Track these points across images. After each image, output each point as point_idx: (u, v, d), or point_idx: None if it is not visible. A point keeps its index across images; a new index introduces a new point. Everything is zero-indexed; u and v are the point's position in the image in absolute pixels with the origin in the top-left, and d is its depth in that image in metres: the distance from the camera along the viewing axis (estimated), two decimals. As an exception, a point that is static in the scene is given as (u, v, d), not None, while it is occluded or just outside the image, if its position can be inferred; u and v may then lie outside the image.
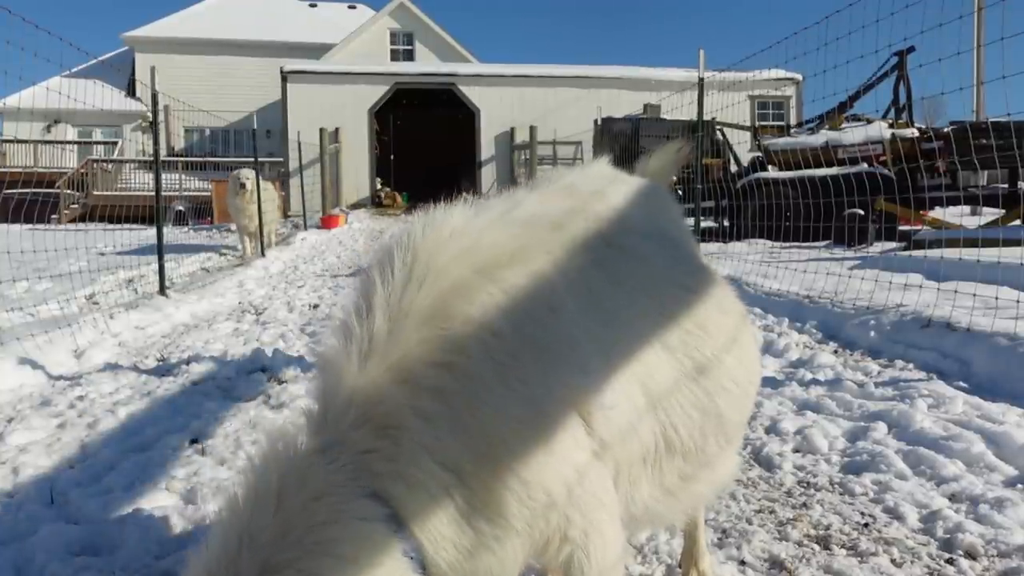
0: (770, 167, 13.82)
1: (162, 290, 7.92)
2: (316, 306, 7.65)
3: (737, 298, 1.97)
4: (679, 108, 11.38)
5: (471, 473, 1.19)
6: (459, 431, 1.19)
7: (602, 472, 1.37)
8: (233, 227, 14.49)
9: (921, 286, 6.22)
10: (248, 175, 12.78)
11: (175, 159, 27.13)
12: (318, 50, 29.61)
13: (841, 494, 2.91)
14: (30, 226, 13.54)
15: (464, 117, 25.64)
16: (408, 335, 1.22)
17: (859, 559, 2.40)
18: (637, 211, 1.85)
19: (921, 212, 11.68)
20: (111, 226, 18.31)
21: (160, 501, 2.91)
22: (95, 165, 25.25)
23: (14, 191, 20.46)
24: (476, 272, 1.31)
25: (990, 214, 12.06)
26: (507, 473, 1.20)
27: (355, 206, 23.43)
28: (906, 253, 8.22)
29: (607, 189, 1.85)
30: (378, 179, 25.43)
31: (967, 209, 13.52)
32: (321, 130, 22.93)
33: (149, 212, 11.71)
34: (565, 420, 1.30)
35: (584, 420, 1.34)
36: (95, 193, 23.96)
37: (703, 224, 10.61)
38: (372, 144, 24.76)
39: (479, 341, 1.24)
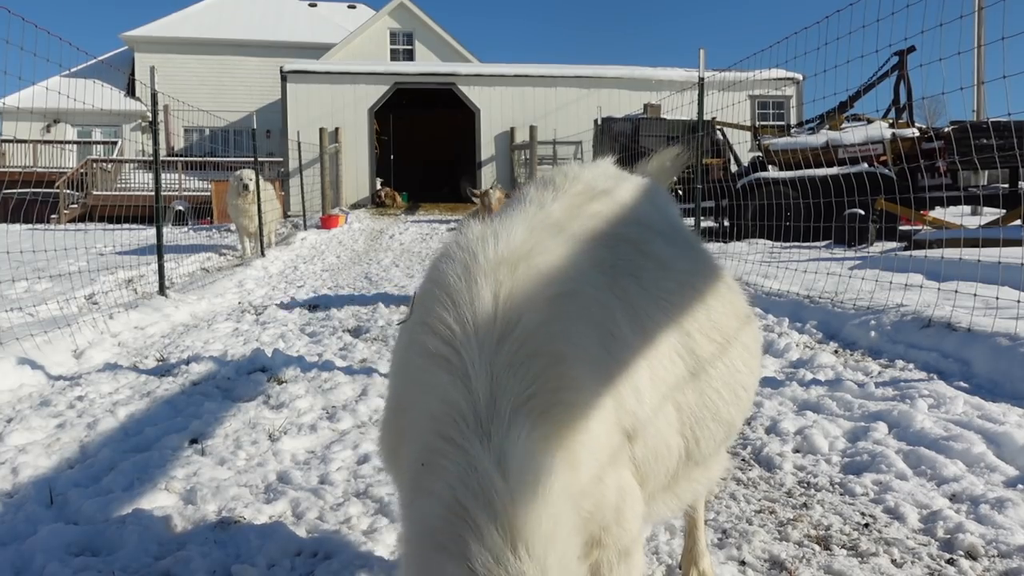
0: (770, 167, 13.81)
1: (162, 290, 7.91)
2: (316, 306, 7.65)
3: (743, 296, 1.99)
4: (679, 108, 11.39)
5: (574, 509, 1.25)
6: (567, 464, 1.23)
7: (635, 485, 1.43)
8: (233, 227, 14.48)
9: (921, 286, 6.22)
10: (250, 176, 12.76)
11: (175, 159, 27.12)
12: (318, 50, 29.59)
13: (841, 494, 2.90)
14: (29, 226, 13.53)
15: (464, 117, 25.61)
16: (519, 381, 1.24)
17: (859, 559, 2.39)
18: (653, 211, 1.90)
19: (921, 212, 11.67)
20: (111, 226, 18.32)
21: (160, 501, 2.91)
22: (94, 165, 25.23)
23: (14, 191, 20.48)
24: (550, 306, 1.33)
25: (991, 214, 12.06)
26: (579, 491, 1.26)
27: (355, 206, 23.40)
28: (906, 253, 8.22)
29: (619, 189, 1.88)
30: (378, 179, 25.40)
31: (967, 209, 13.52)
32: (321, 130, 22.91)
33: (149, 212, 11.72)
34: (620, 441, 1.37)
35: (629, 439, 1.40)
36: (94, 193, 23.95)
37: (703, 224, 10.62)
38: (372, 144, 24.72)
39: (571, 376, 1.28)
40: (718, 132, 14.98)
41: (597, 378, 1.34)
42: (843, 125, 13.20)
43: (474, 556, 1.08)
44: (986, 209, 12.22)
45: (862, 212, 10.91)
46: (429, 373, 1.27)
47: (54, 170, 24.45)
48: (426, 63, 27.98)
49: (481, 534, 1.09)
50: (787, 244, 10.98)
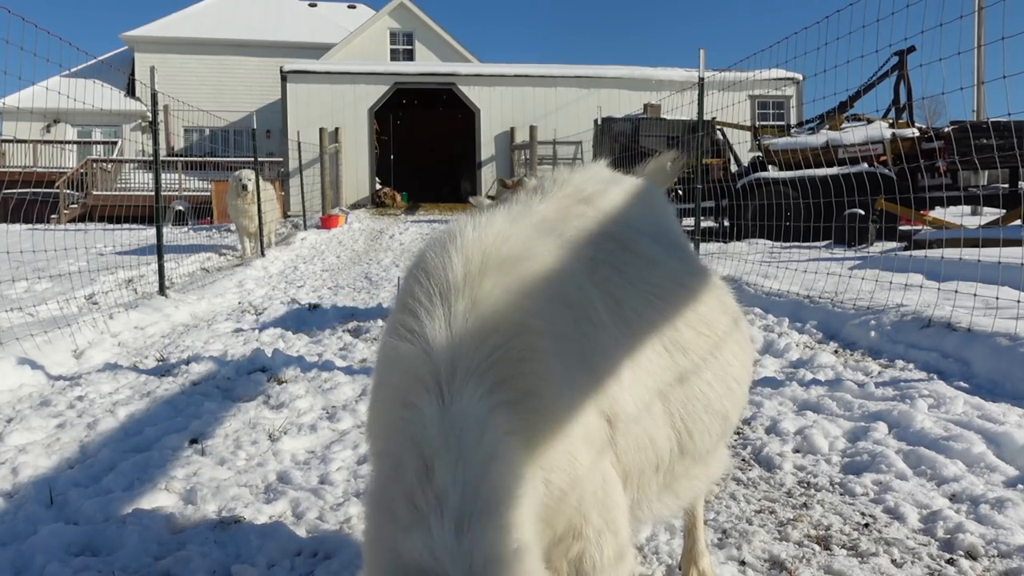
0: (770, 167, 13.81)
1: (162, 290, 7.91)
2: (316, 306, 7.64)
3: (732, 295, 2.01)
4: (679, 108, 11.38)
5: (530, 477, 1.23)
6: (530, 432, 1.22)
7: (616, 476, 1.41)
8: (233, 227, 14.48)
9: (921, 286, 6.22)
10: (249, 176, 12.77)
11: (175, 159, 27.12)
12: (318, 50, 29.59)
13: (841, 494, 2.90)
14: (29, 226, 13.53)
15: (464, 117, 25.61)
16: (480, 351, 1.23)
17: (859, 559, 2.39)
18: (642, 213, 1.92)
19: (921, 212, 11.67)
20: (111, 226, 18.32)
21: (160, 501, 2.91)
22: (94, 165, 25.23)
23: (14, 191, 20.48)
24: (523, 283, 1.34)
25: (990, 214, 12.06)
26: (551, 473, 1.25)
27: (355, 206, 23.41)
28: (906, 253, 8.21)
29: (610, 191, 1.89)
30: (378, 179, 25.41)
31: (967, 209, 13.52)
32: (321, 130, 22.91)
33: (149, 212, 11.72)
34: (599, 425, 1.36)
35: (610, 425, 1.39)
36: (94, 193, 23.95)
37: (703, 224, 10.62)
38: (372, 144, 24.73)
39: (539, 349, 1.27)
40: (718, 132, 14.98)
41: (570, 356, 1.33)
42: (843, 125, 13.20)
43: (408, 520, 1.07)
44: (986, 209, 12.22)
45: (862, 212, 10.91)
46: (398, 348, 1.27)
47: (54, 170, 24.43)
48: (426, 63, 27.97)
49: (414, 497, 1.07)
50: (787, 244, 10.98)
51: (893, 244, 10.72)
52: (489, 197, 7.77)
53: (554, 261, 1.44)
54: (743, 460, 3.30)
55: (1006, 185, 12.35)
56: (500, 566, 1.04)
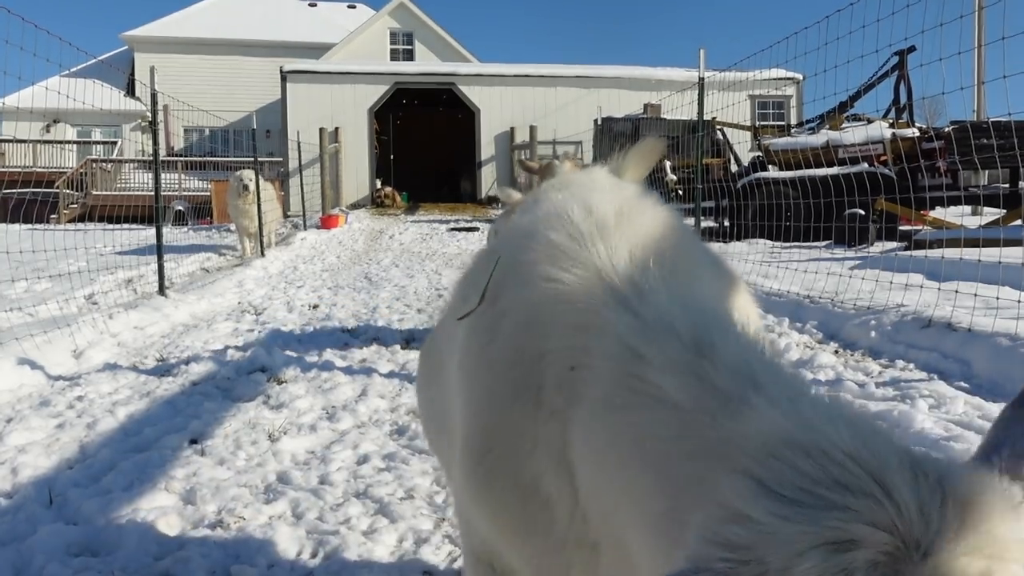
0: (770, 167, 13.81)
1: (161, 290, 7.91)
2: (316, 306, 7.64)
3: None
4: (679, 108, 11.36)
5: None
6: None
7: None
8: (232, 227, 14.47)
9: (922, 286, 6.21)
10: (250, 176, 12.76)
11: (174, 159, 27.11)
12: (318, 50, 29.59)
13: (842, 495, 2.90)
14: (29, 226, 13.51)
15: (464, 117, 25.61)
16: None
17: (860, 560, 2.38)
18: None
19: (922, 212, 11.67)
20: (110, 226, 18.29)
21: (159, 502, 2.90)
22: (94, 165, 25.22)
23: (13, 191, 20.47)
24: (654, 220, 1.29)
25: (991, 214, 12.05)
26: None
27: (355, 206, 23.39)
28: (907, 253, 8.20)
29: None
30: (378, 179, 25.40)
31: (968, 209, 13.52)
32: (321, 130, 22.90)
33: (148, 212, 11.71)
34: None
35: None
36: (94, 193, 23.94)
37: (703, 224, 10.61)
38: (372, 144, 24.72)
39: (700, 275, 1.23)
40: (718, 132, 14.98)
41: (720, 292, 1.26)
42: (843, 125, 13.19)
43: (719, 408, 0.85)
44: (986, 209, 12.22)
45: (862, 212, 10.90)
46: (549, 294, 1.09)
47: (54, 170, 24.41)
48: (426, 63, 27.98)
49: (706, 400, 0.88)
50: (787, 244, 10.97)
51: (893, 244, 10.71)
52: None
53: (669, 212, 1.37)
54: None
55: (1006, 185, 12.34)
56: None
